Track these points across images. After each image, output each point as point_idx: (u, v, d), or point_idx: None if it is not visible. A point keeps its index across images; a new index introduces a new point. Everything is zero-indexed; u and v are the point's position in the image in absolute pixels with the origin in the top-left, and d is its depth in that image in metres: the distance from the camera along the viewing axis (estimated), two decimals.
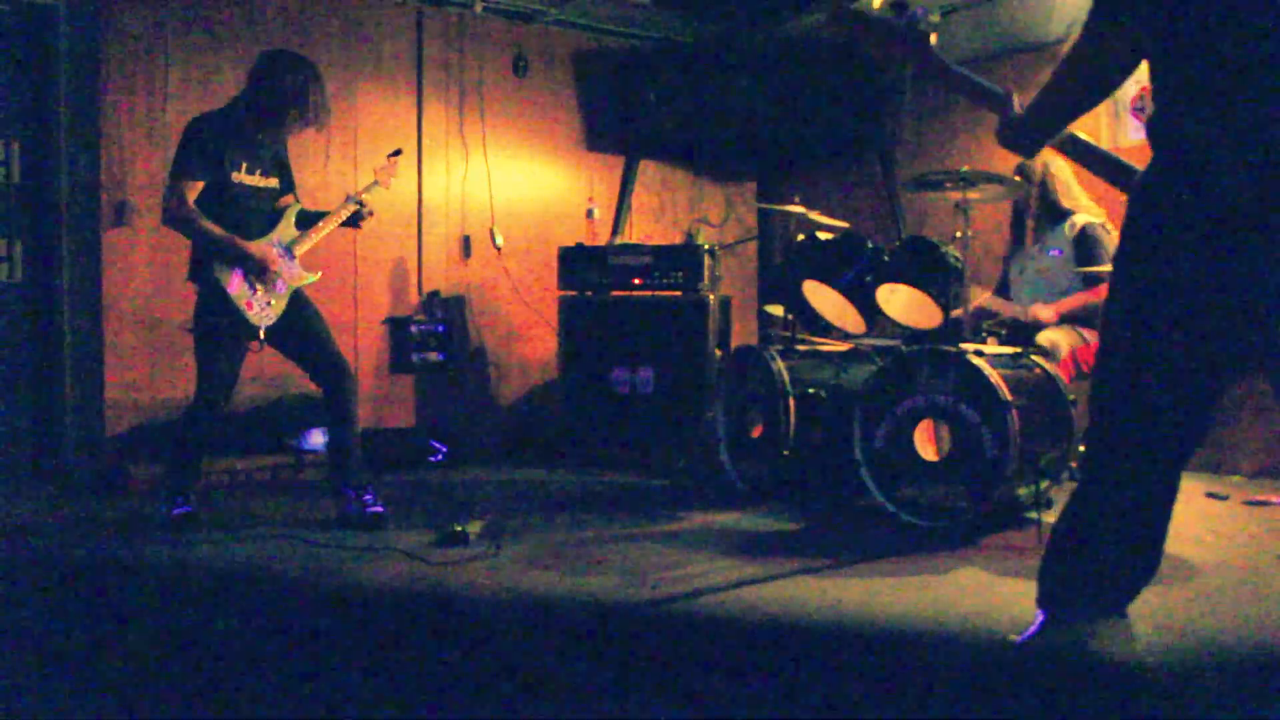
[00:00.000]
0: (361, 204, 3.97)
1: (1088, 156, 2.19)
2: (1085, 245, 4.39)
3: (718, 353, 5.19)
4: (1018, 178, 4.38)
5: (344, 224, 3.99)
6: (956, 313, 4.03)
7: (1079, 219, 4.46)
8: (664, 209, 6.57)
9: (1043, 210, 4.53)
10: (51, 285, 4.83)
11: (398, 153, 4.22)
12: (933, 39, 2.18)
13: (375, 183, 4.07)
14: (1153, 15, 1.85)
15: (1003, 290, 4.78)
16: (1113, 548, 1.99)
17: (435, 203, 5.76)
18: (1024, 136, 2.11)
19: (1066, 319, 4.34)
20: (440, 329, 5.63)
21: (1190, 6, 1.82)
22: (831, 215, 4.87)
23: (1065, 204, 4.49)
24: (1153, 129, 1.90)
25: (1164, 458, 1.94)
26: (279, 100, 3.73)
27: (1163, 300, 1.86)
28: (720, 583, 3.03)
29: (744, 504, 4.21)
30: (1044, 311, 4.36)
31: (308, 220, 3.94)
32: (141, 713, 2.13)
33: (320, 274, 3.97)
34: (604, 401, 5.29)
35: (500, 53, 5.94)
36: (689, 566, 3.24)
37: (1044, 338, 4.20)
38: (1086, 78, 1.98)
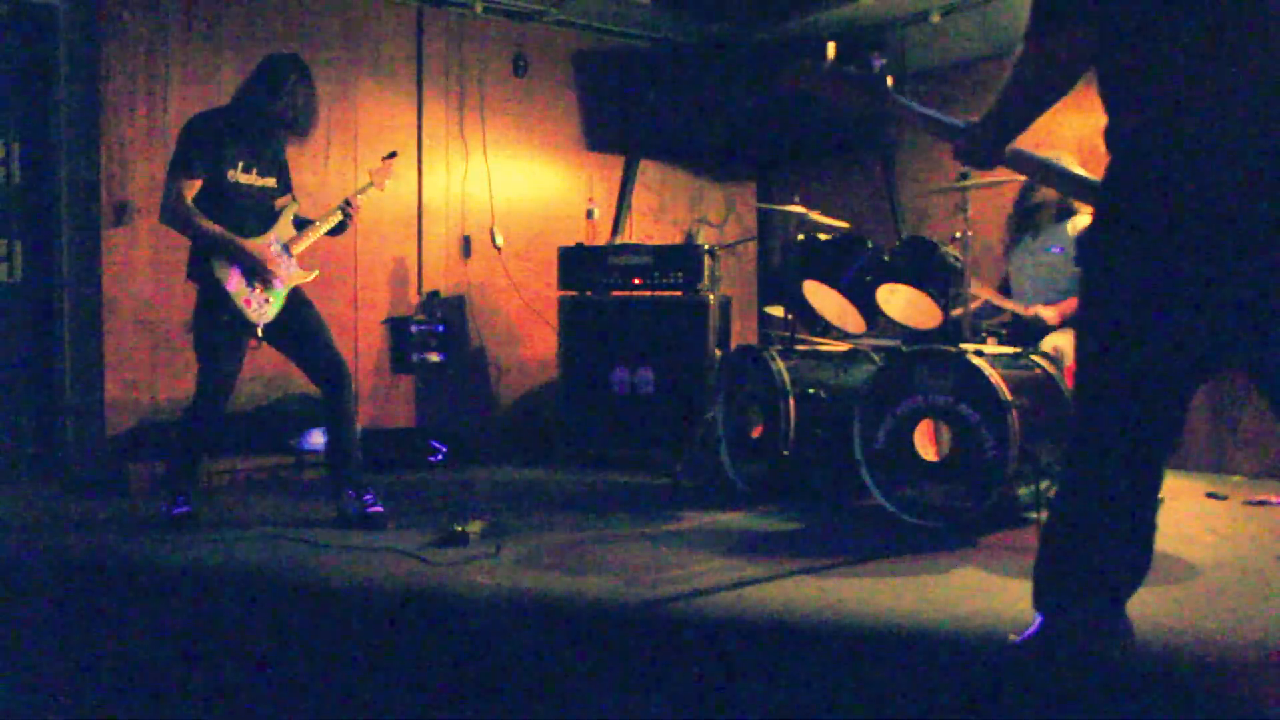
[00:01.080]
0: (346, 212, 3.95)
1: (1032, 168, 2.23)
2: None
3: (718, 353, 5.19)
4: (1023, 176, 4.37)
5: (329, 232, 3.98)
6: (957, 312, 4.03)
7: (1080, 219, 4.46)
8: (664, 209, 6.57)
9: (1053, 208, 4.53)
10: (51, 285, 4.83)
11: (393, 155, 4.22)
12: (889, 82, 2.21)
13: (370, 184, 4.08)
14: (1100, 24, 1.87)
15: (1004, 289, 4.78)
16: (1102, 546, 2.00)
17: (435, 203, 5.76)
18: (980, 147, 2.11)
19: (1070, 321, 4.34)
20: (440, 329, 5.62)
21: (1136, 15, 1.84)
22: (831, 215, 4.87)
23: (1073, 202, 4.49)
24: (1108, 137, 1.93)
25: (1141, 455, 1.97)
26: (272, 104, 3.75)
27: (1128, 302, 1.90)
28: (720, 583, 3.03)
29: (744, 504, 4.21)
30: (1046, 312, 4.37)
31: (303, 223, 3.96)
32: (141, 712, 2.13)
33: (318, 272, 3.97)
34: (604, 401, 5.28)
35: (500, 53, 5.94)
36: (689, 566, 3.24)
37: (1049, 344, 4.19)
38: (1035, 85, 1.98)
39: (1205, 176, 1.77)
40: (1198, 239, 1.79)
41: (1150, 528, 2.01)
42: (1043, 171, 2.25)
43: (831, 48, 2.25)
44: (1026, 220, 4.65)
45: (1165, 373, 1.91)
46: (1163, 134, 1.82)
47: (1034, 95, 2.00)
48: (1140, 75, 1.85)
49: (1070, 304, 4.37)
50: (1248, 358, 1.87)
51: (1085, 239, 2.01)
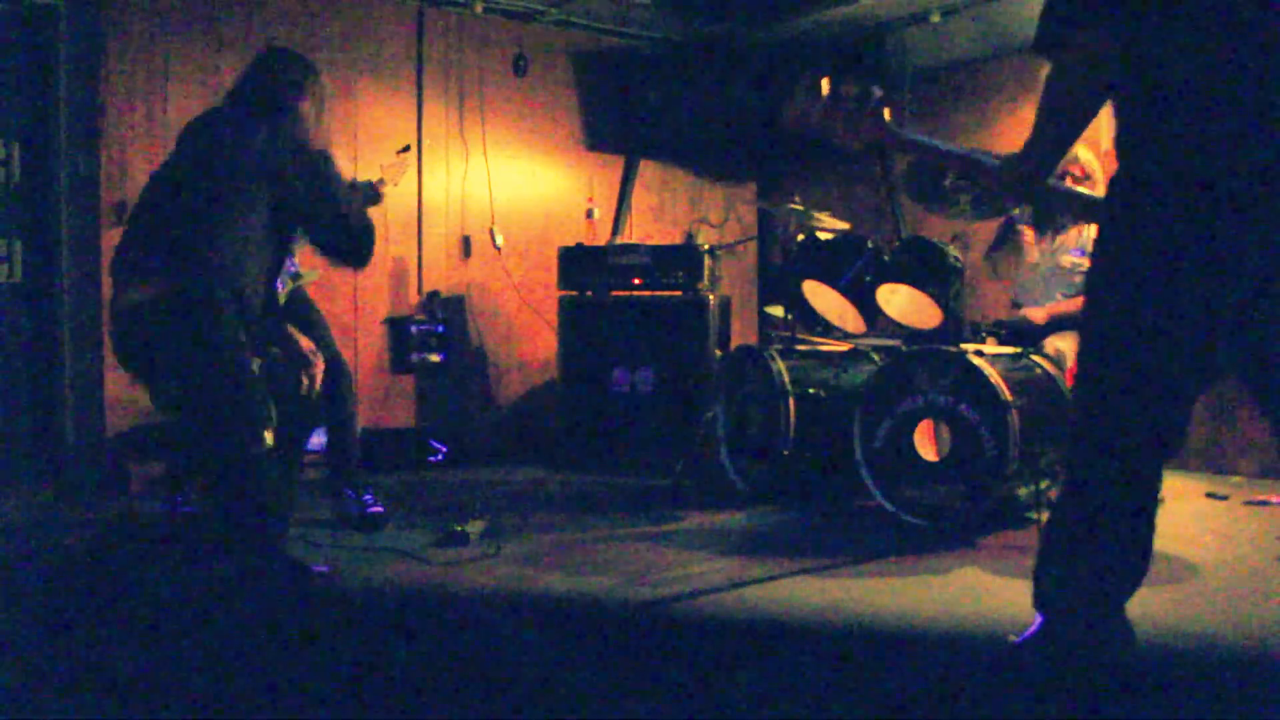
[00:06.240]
0: (377, 186, 3.91)
1: (1056, 198, 2.22)
2: None
3: (718, 353, 5.19)
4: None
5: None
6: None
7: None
8: (664, 209, 6.57)
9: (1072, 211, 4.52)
10: (51, 285, 4.82)
11: (406, 149, 4.15)
12: (886, 115, 2.17)
13: (382, 180, 4.01)
14: (1119, 24, 1.86)
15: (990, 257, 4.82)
16: (1101, 548, 2.00)
17: (435, 203, 5.76)
18: (1015, 180, 2.04)
19: (1058, 322, 4.33)
20: (440, 329, 5.62)
21: (1153, 21, 1.83)
22: (832, 215, 4.86)
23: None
24: (1118, 142, 1.92)
25: (1143, 457, 1.97)
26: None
27: (1134, 307, 1.89)
28: (720, 583, 3.03)
29: (744, 504, 4.21)
30: (1035, 313, 4.37)
31: None
32: (141, 713, 2.13)
33: (319, 272, 3.96)
34: (604, 401, 5.28)
35: (500, 53, 5.94)
36: (689, 566, 3.23)
37: (1050, 345, 4.19)
38: (1061, 102, 1.92)
39: (1210, 175, 1.77)
40: (1202, 247, 1.78)
41: (1150, 530, 2.01)
42: (1069, 201, 2.22)
43: (825, 83, 2.19)
44: (1048, 219, 4.61)
45: (1167, 375, 1.90)
46: (1172, 143, 1.81)
47: (1062, 114, 1.92)
48: (1154, 85, 1.83)
49: (1058, 306, 4.37)
50: (1242, 362, 1.86)
51: (1095, 243, 2.00)
